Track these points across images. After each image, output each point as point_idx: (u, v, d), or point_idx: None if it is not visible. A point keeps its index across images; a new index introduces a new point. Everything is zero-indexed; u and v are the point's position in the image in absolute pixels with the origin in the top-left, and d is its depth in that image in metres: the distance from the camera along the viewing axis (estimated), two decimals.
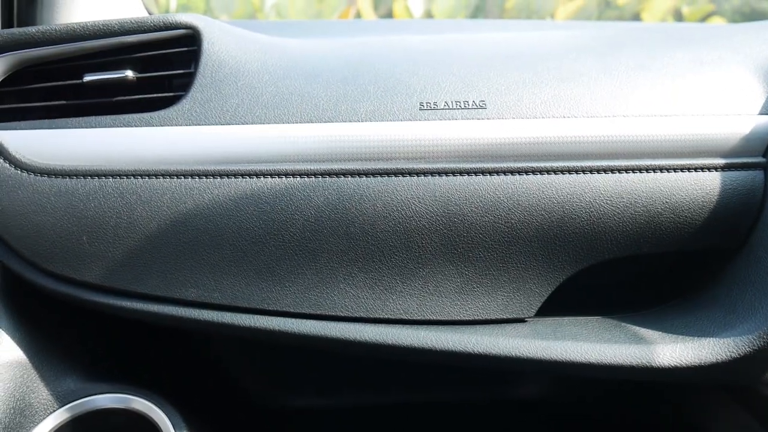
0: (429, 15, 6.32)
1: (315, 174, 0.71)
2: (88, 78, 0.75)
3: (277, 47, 0.81)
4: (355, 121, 0.72)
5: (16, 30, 0.74)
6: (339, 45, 0.85)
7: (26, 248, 0.72)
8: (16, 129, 0.73)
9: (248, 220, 0.71)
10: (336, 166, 0.71)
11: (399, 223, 0.71)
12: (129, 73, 0.76)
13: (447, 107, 0.73)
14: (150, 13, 1.11)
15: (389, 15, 6.44)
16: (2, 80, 0.76)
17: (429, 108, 0.73)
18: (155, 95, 0.76)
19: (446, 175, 0.71)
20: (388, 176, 0.71)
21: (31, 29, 0.74)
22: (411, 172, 0.71)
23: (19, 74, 0.77)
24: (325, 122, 0.72)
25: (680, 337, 0.71)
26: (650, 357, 0.69)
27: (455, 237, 0.71)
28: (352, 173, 0.71)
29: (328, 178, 0.71)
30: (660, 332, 0.72)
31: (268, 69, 0.76)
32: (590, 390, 1.03)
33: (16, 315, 0.76)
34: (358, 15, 6.20)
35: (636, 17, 6.30)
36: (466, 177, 0.71)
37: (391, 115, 0.73)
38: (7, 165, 0.71)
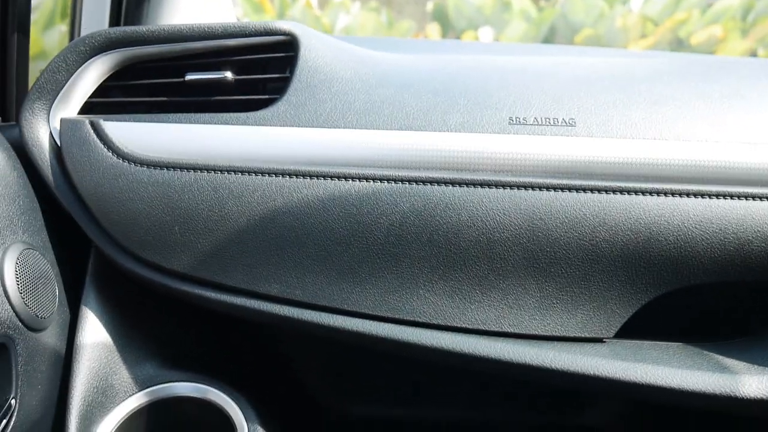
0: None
1: (403, 180, 0.72)
2: (189, 77, 0.79)
3: (370, 58, 0.83)
4: (445, 131, 0.74)
5: (128, 28, 0.78)
6: (430, 59, 0.87)
7: (121, 234, 0.75)
8: (120, 121, 0.77)
9: (334, 221, 0.72)
10: (424, 174, 0.72)
11: (482, 234, 0.71)
12: (228, 74, 0.79)
13: (536, 123, 0.74)
14: (239, 20, 1.16)
15: None
16: (111, 75, 0.81)
17: (518, 123, 0.74)
18: (252, 97, 0.79)
19: (532, 189, 0.71)
20: (475, 187, 0.71)
21: (142, 28, 0.78)
22: (497, 184, 0.71)
23: (126, 70, 0.81)
24: (415, 131, 0.74)
25: (767, 369, 0.69)
26: (734, 387, 0.67)
27: (538, 251, 0.71)
28: (440, 182, 0.72)
29: (415, 185, 0.72)
30: (745, 363, 0.71)
31: (361, 77, 0.79)
32: (658, 417, 1.00)
33: (104, 298, 0.79)
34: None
35: None
36: (552, 192, 0.71)
37: (481, 127, 0.74)
38: (110, 154, 0.75)
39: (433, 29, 6.04)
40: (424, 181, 0.72)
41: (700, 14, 6.25)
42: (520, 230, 0.71)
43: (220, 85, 0.80)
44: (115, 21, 0.92)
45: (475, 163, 0.72)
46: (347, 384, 1.00)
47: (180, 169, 0.74)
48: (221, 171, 0.74)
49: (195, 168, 0.74)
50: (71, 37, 0.95)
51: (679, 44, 6.28)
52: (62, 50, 0.78)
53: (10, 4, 0.81)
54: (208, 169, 0.74)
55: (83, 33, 0.93)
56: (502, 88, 0.78)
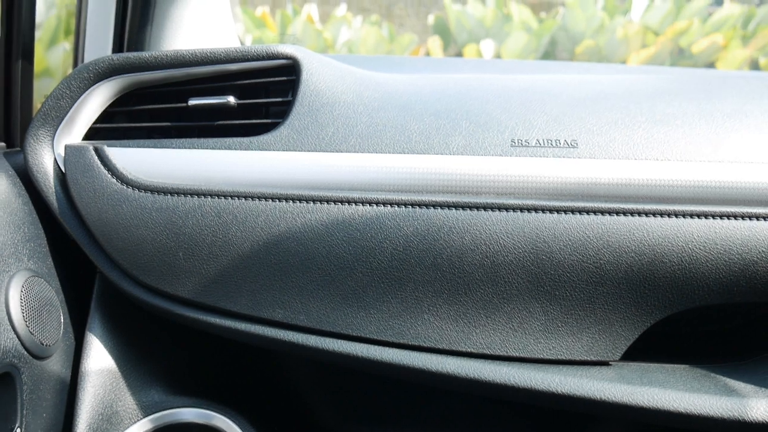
0: (498, 56, 6.33)
1: (406, 204, 0.72)
2: (192, 102, 0.79)
3: (371, 80, 0.84)
4: (447, 154, 0.74)
5: (132, 54, 0.79)
6: (430, 80, 0.87)
7: (125, 260, 0.75)
8: (124, 147, 0.77)
9: (338, 245, 0.72)
10: (426, 198, 0.72)
11: (486, 257, 0.71)
12: (231, 99, 0.79)
13: (538, 145, 0.74)
14: (241, 42, 1.16)
15: (458, 56, 6.49)
16: (114, 101, 0.81)
17: (520, 145, 0.74)
18: (255, 121, 0.79)
19: (535, 212, 0.71)
20: (478, 210, 0.71)
21: (145, 55, 0.79)
22: (500, 207, 0.71)
23: (130, 95, 0.82)
24: (417, 154, 0.74)
25: None
26: (743, 410, 0.67)
27: (542, 274, 0.71)
28: (442, 205, 0.72)
29: (418, 209, 0.72)
30: (753, 385, 0.70)
31: (363, 101, 0.79)
32: None
33: (109, 324, 0.79)
34: (428, 55, 6.27)
35: (710, 66, 6.17)
36: (555, 215, 0.71)
37: (483, 149, 0.74)
38: (114, 180, 0.75)
39: (435, 42, 6.07)
40: (427, 205, 0.72)
41: (701, 23, 6.27)
42: (524, 253, 0.71)
43: (223, 110, 0.80)
44: (118, 44, 0.93)
45: (478, 185, 0.72)
46: (351, 408, 1.00)
47: (184, 194, 0.74)
48: (225, 196, 0.74)
49: (199, 193, 0.74)
50: (75, 59, 0.96)
51: (680, 53, 6.29)
52: (66, 77, 0.78)
53: (15, 29, 0.82)
54: (212, 194, 0.74)
55: (87, 56, 0.94)
56: (503, 109, 0.78)
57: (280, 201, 0.73)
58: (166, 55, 0.79)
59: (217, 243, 0.73)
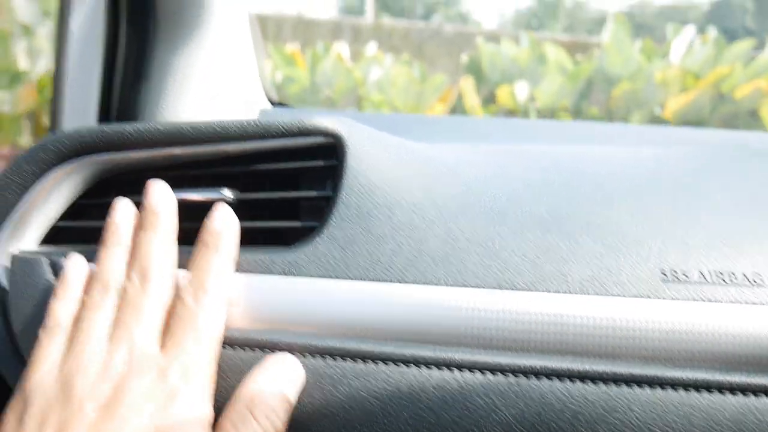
0: (532, 99, 6.16)
1: (506, 371, 0.47)
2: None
3: (442, 165, 0.60)
4: (567, 292, 0.49)
5: (108, 127, 0.56)
6: (516, 158, 0.63)
7: None
8: (90, 261, 0.54)
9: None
10: (538, 363, 0.47)
11: None
12: (226, 193, 0.56)
13: (703, 280, 0.49)
14: (270, 100, 0.93)
15: (491, 97, 6.34)
16: (87, 191, 0.58)
17: (675, 279, 0.49)
18: (275, 224, 0.55)
19: (720, 392, 0.46)
20: (620, 385, 0.46)
21: (127, 127, 0.56)
22: (658, 382, 0.46)
23: (107, 183, 0.59)
24: (521, 290, 0.49)
25: None
26: None
27: None
28: (564, 375, 0.47)
29: (525, 380, 0.47)
30: None
31: (434, 200, 0.55)
32: None
33: None
34: (460, 97, 6.11)
35: (753, 113, 5.92)
36: (755, 398, 0.45)
37: (620, 287, 0.49)
38: None
39: (467, 83, 5.88)
40: (539, 374, 0.47)
41: (743, 67, 6.03)
42: None
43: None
44: (104, 113, 0.70)
45: (617, 345, 0.47)
46: None
47: None
48: (233, 346, 0.50)
49: None
50: (52, 127, 0.73)
51: (720, 99, 6.02)
52: (14, 159, 0.55)
53: None
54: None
55: (66, 123, 0.71)
56: (638, 218, 0.53)
57: (315, 357, 0.49)
58: (158, 129, 0.56)
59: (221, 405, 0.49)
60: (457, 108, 5.91)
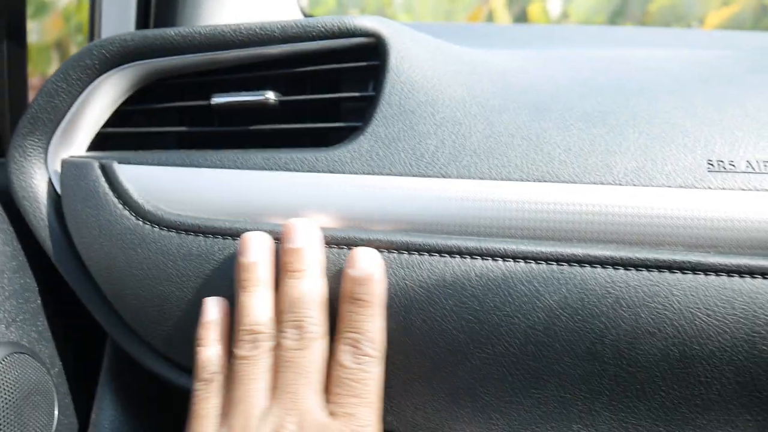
0: (566, 16, 5.98)
1: (549, 259, 0.48)
2: (216, 100, 0.57)
3: (484, 63, 0.59)
4: (611, 183, 0.49)
5: (150, 32, 0.56)
6: (562, 60, 0.62)
7: (141, 325, 0.54)
8: (140, 164, 0.55)
9: (446, 320, 0.49)
10: (581, 251, 0.48)
11: (675, 344, 0.47)
12: (269, 95, 0.56)
13: (750, 169, 0.49)
14: (304, 12, 0.92)
15: (522, 15, 6.16)
16: (130, 96, 0.59)
17: (722, 169, 0.49)
18: (318, 125, 0.56)
19: (763, 277, 0.46)
20: (666, 271, 0.47)
21: (170, 32, 0.56)
22: (704, 268, 0.47)
23: (151, 88, 0.59)
24: (564, 182, 0.50)
25: None
26: None
27: (763, 373, 0.47)
28: (607, 262, 0.48)
29: (568, 268, 0.48)
30: None
31: (477, 96, 0.55)
32: None
33: (120, 411, 0.58)
34: (490, 14, 5.96)
35: None
36: None
37: (666, 176, 0.49)
38: (127, 212, 0.53)
39: (498, 1, 5.70)
40: (582, 262, 0.48)
41: None
42: (737, 340, 0.47)
43: (262, 110, 0.57)
44: (142, 22, 0.70)
45: (663, 233, 0.48)
46: None
47: (222, 235, 0.52)
48: (279, 239, 0.51)
49: (242, 234, 0.52)
50: (90, 38, 0.73)
51: (764, 11, 5.75)
52: (61, 66, 0.56)
53: None
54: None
55: (104, 33, 0.71)
56: (683, 109, 0.53)
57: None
58: (199, 32, 0.56)
59: None
60: None
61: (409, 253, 0.50)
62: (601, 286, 0.48)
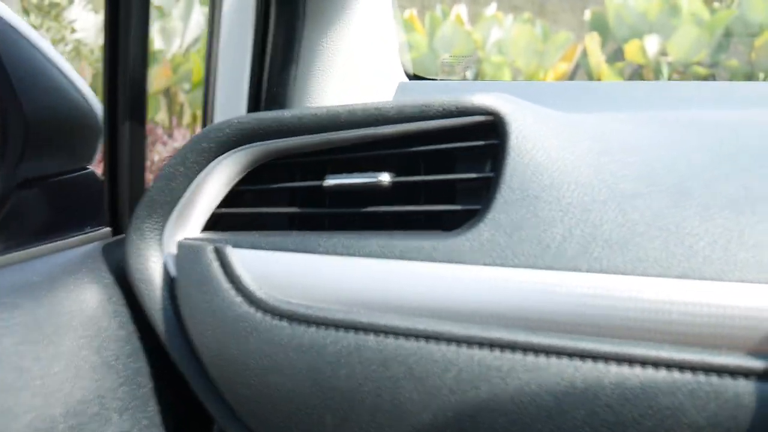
0: (664, 53, 5.80)
1: (696, 369, 0.43)
2: (330, 182, 0.55)
3: (614, 139, 0.55)
4: (765, 282, 0.44)
5: (265, 115, 0.56)
6: (695, 129, 0.57)
7: (251, 416, 0.52)
8: (253, 248, 0.54)
9: (582, 426, 0.45)
10: (734, 361, 0.43)
11: None
12: (384, 177, 0.54)
13: None
14: (408, 74, 0.91)
15: (618, 54, 6.02)
16: (243, 177, 0.59)
17: None
18: (434, 207, 0.53)
19: None
20: None
21: (285, 114, 0.56)
22: None
23: (263, 169, 0.59)
24: (711, 279, 0.45)
25: None
26: None
27: None
28: (762, 374, 0.42)
29: (717, 380, 0.43)
30: None
31: (607, 179, 0.51)
32: None
33: None
34: (584, 54, 5.85)
35: None
36: None
37: None
38: (239, 299, 0.52)
39: (593, 40, 5.60)
40: (735, 373, 0.43)
41: None
42: None
43: (376, 192, 0.55)
44: (254, 98, 0.70)
45: None
46: None
47: (335, 327, 0.50)
48: (396, 335, 0.49)
49: (357, 327, 0.49)
50: (204, 119, 0.74)
51: None
52: (179, 150, 0.56)
53: (121, 71, 0.61)
54: (376, 330, 0.49)
55: (217, 114, 0.72)
56: None
57: (482, 348, 0.47)
58: (315, 113, 0.55)
59: (383, 406, 0.49)
60: (581, 66, 5.66)
61: (536, 354, 0.47)
62: (756, 399, 0.42)
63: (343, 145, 0.56)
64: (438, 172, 0.56)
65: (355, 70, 0.77)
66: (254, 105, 0.71)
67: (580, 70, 5.76)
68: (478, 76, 5.06)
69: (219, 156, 0.56)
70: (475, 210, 0.52)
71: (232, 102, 0.71)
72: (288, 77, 0.72)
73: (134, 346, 0.55)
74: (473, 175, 0.54)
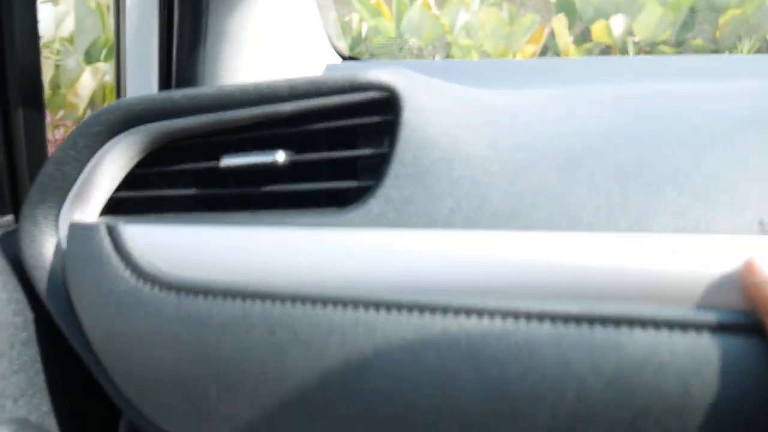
0: (630, 33, 5.83)
1: (580, 320, 0.43)
2: (225, 162, 0.54)
3: (508, 113, 0.55)
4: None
5: (158, 96, 0.55)
6: (598, 103, 0.57)
7: (139, 395, 0.52)
8: (149, 223, 0.54)
9: (463, 391, 0.45)
10: (614, 311, 0.43)
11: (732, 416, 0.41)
12: (279, 156, 0.54)
13: None
14: (336, 50, 0.90)
15: (586, 35, 6.04)
16: (142, 159, 0.58)
17: None
18: (329, 186, 0.53)
19: None
20: (721, 333, 0.41)
21: (176, 94, 0.55)
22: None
23: (162, 151, 0.58)
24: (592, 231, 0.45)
25: None
26: None
27: None
28: (647, 323, 0.42)
29: (601, 330, 0.43)
30: None
31: (498, 151, 0.50)
32: None
33: None
34: (552, 36, 5.85)
35: None
36: None
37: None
38: (128, 273, 0.52)
39: (560, 21, 5.60)
40: (618, 322, 0.43)
41: None
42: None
43: (271, 172, 0.55)
44: (164, 81, 0.69)
45: (707, 295, 0.43)
46: None
47: (221, 296, 0.49)
48: (282, 300, 0.48)
49: (243, 295, 0.49)
50: (117, 97, 0.73)
51: None
52: (69, 134, 0.55)
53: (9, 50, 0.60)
54: (262, 296, 0.48)
55: (129, 91, 0.71)
56: (728, 162, 0.47)
57: (368, 310, 0.47)
58: (206, 93, 0.54)
59: (269, 375, 0.48)
60: (549, 48, 5.67)
61: (421, 313, 0.46)
62: (640, 350, 0.42)
63: (240, 125, 0.56)
64: (340, 149, 0.55)
65: (267, 49, 0.76)
66: (165, 85, 0.70)
67: (549, 52, 5.77)
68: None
69: (112, 138, 0.55)
70: (370, 186, 0.52)
71: (142, 82, 0.69)
72: (197, 56, 0.71)
73: (30, 333, 0.54)
74: (368, 152, 0.54)
